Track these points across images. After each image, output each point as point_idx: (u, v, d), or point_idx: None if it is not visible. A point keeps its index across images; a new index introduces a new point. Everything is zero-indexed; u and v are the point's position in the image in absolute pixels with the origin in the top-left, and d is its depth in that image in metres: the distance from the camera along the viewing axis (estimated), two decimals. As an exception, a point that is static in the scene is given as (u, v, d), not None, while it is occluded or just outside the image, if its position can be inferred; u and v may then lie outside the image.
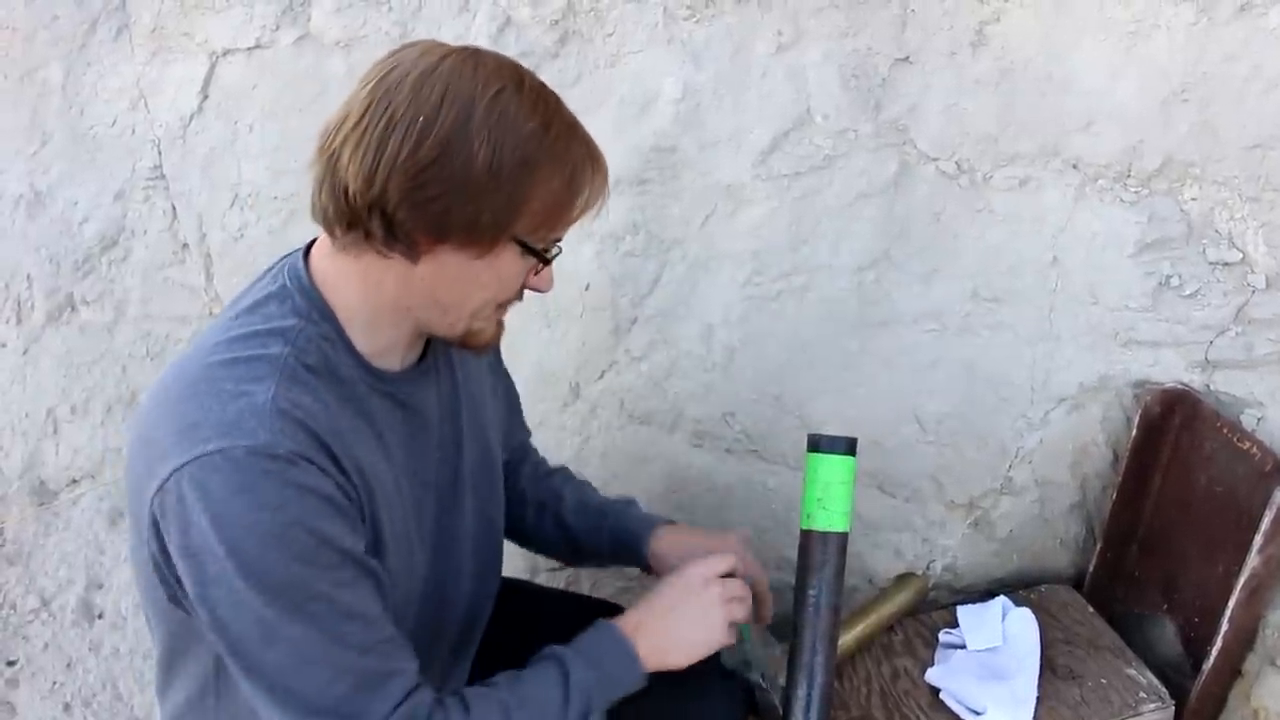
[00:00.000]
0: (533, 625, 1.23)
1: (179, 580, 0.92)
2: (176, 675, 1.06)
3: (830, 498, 1.16)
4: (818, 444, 1.17)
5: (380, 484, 1.00)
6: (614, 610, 1.42)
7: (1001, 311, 1.55)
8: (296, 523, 0.88)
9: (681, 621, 1.10)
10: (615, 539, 1.31)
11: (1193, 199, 1.43)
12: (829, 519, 1.16)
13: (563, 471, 1.42)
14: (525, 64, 1.52)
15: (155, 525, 0.90)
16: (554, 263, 1.03)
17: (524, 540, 1.40)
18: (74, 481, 1.86)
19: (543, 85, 0.96)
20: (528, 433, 1.43)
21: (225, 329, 0.97)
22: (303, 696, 0.91)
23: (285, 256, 1.03)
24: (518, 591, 1.42)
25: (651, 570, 1.29)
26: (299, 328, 0.96)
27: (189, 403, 0.90)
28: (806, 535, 1.18)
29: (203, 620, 0.91)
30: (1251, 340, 1.47)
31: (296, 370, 0.94)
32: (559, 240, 1.00)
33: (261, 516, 0.86)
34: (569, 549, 1.36)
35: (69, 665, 1.91)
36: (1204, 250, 1.45)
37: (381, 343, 1.01)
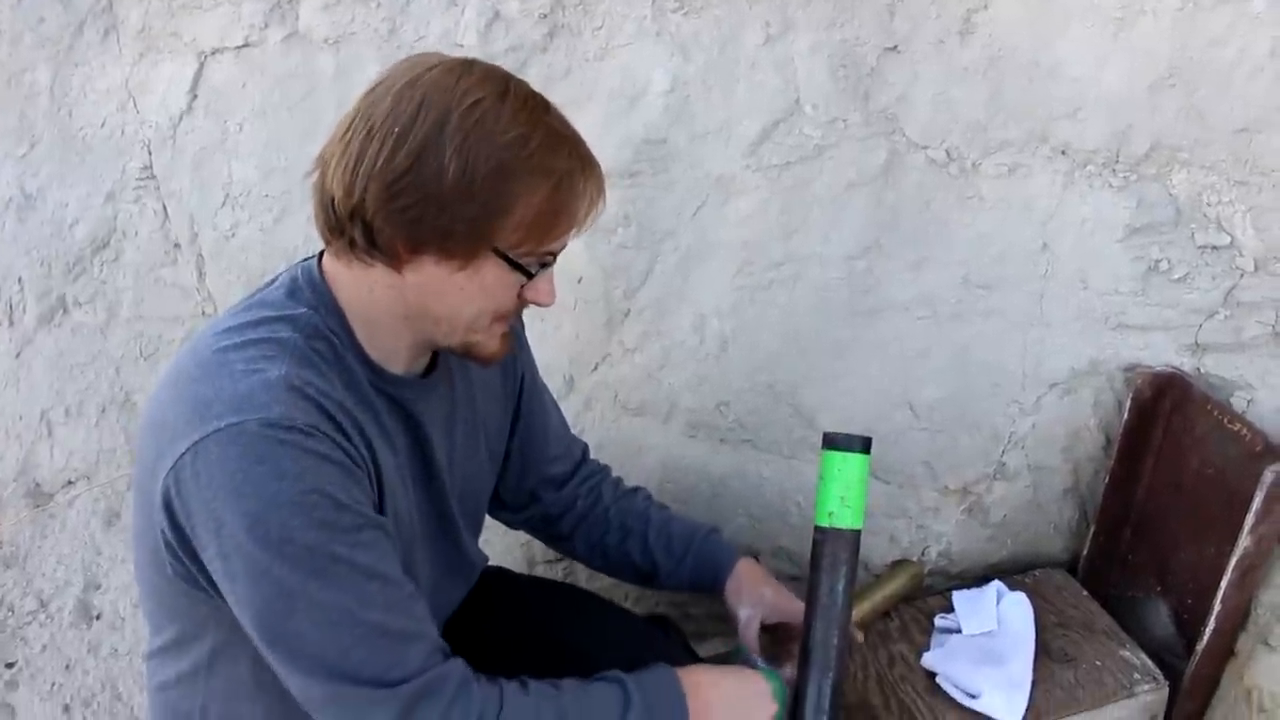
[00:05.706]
0: (516, 611, 1.24)
1: (194, 558, 0.91)
2: (170, 654, 1.06)
3: (852, 496, 1.16)
4: (835, 442, 1.17)
5: (385, 469, 1.00)
6: (599, 601, 1.44)
7: (992, 298, 1.56)
8: (315, 490, 0.88)
9: (731, 707, 1.11)
10: (695, 571, 1.34)
11: (1185, 184, 1.44)
12: (851, 517, 1.17)
13: (643, 492, 1.43)
14: (514, 58, 1.55)
15: (168, 505, 0.90)
16: (552, 273, 1.02)
17: (604, 564, 1.40)
18: (69, 483, 1.86)
19: (531, 95, 0.94)
20: (583, 444, 1.44)
21: (236, 315, 0.98)
22: (328, 661, 0.90)
23: (301, 260, 1.04)
24: (499, 579, 1.43)
25: (723, 597, 1.33)
26: (307, 316, 0.97)
27: (200, 383, 0.91)
28: (825, 532, 1.18)
29: (224, 594, 0.91)
30: (1240, 323, 1.48)
31: (307, 353, 0.95)
32: (552, 253, 0.99)
33: (282, 486, 0.86)
34: (649, 575, 1.37)
35: (68, 666, 1.91)
36: (1192, 234, 1.46)
37: (384, 347, 1.02)
